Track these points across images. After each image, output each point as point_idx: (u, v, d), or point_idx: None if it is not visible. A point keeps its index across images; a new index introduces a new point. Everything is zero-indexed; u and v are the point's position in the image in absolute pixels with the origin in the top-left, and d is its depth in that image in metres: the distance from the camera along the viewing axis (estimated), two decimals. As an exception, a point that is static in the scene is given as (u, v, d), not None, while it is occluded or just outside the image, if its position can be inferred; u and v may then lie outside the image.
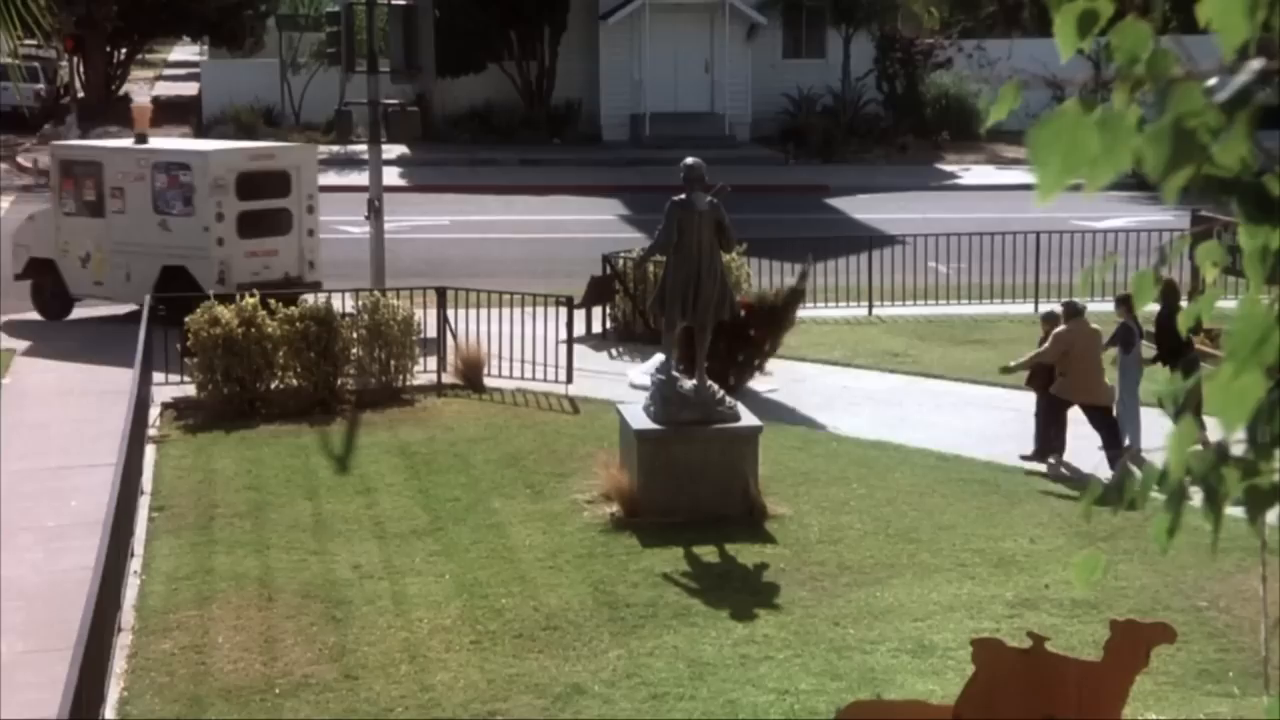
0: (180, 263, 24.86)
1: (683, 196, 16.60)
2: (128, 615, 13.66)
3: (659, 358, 22.27)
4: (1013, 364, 18.44)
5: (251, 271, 24.86)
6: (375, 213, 25.17)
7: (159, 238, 25.04)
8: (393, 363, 21.02)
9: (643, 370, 21.98)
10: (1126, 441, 18.27)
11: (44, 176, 33.52)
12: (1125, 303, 18.28)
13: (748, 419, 16.76)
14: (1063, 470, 17.76)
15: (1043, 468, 17.81)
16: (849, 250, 27.72)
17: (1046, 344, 17.97)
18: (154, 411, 19.92)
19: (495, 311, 22.14)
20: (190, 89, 60.81)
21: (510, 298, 22.39)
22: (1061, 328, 17.81)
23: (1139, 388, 18.27)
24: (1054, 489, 17.11)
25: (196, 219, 24.87)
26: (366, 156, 27.04)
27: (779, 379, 21.63)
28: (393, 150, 41.48)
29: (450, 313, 22.14)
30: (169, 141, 30.81)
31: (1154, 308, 18.36)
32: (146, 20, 56.06)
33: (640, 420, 16.53)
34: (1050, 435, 17.82)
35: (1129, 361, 18.30)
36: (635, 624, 13.42)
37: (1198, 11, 2.89)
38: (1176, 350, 18.18)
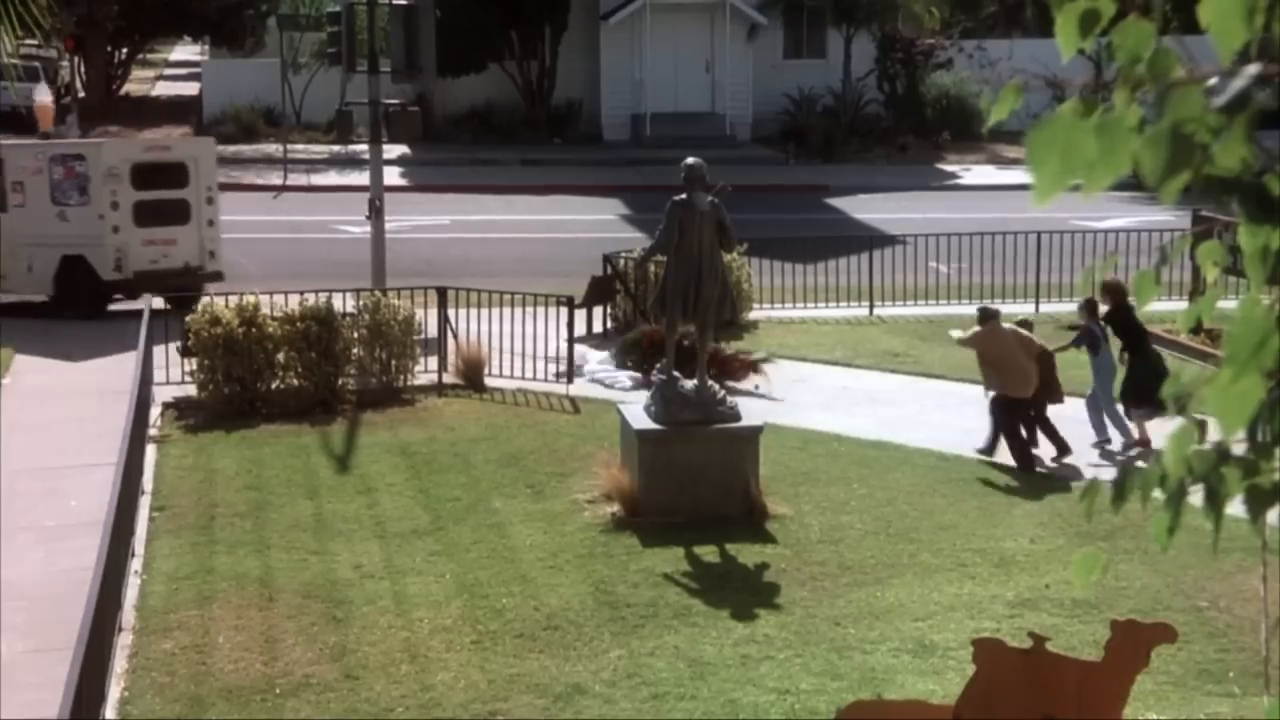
0: (78, 251, 25.53)
1: (683, 196, 16.59)
2: (128, 615, 13.67)
3: (594, 354, 22.48)
4: (959, 335, 19.09)
5: (149, 260, 25.66)
6: (376, 212, 25.18)
7: (58, 228, 25.69)
8: (393, 363, 21.02)
9: (599, 361, 22.16)
10: (1119, 441, 18.43)
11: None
12: (1088, 306, 18.71)
13: (748, 419, 16.77)
14: (1060, 466, 17.86)
15: (1044, 468, 17.85)
16: (849, 250, 27.73)
17: (969, 334, 18.66)
18: (154, 411, 19.93)
19: (496, 311, 22.15)
20: (191, 89, 60.80)
21: (511, 298, 22.41)
22: (976, 328, 18.42)
23: (1113, 387, 18.48)
24: (1057, 489, 17.11)
25: (92, 208, 25.57)
26: (367, 156, 27.05)
27: (783, 378, 21.63)
28: (393, 150, 41.47)
29: (451, 313, 22.15)
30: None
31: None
32: (147, 20, 56.05)
33: (641, 420, 16.53)
34: (1019, 442, 17.91)
35: (1099, 364, 18.61)
36: (636, 624, 13.42)
37: (1199, 12, 2.90)
38: (1135, 344, 18.58)
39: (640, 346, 21.84)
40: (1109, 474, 16.72)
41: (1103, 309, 18.70)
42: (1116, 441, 18.57)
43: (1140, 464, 15.83)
